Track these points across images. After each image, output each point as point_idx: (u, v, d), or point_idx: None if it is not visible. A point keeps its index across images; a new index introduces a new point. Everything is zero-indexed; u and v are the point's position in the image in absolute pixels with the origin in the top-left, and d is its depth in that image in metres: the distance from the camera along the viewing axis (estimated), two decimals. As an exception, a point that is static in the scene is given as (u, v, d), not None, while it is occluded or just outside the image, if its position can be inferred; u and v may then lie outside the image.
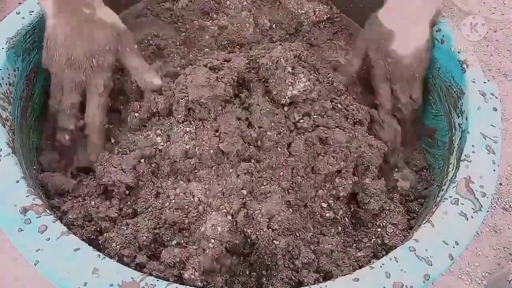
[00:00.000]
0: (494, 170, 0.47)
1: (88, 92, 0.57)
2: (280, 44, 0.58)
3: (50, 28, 0.55)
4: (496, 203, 0.83)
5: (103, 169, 0.52)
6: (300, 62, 0.56)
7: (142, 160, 0.53)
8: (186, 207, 0.49)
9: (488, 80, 0.55)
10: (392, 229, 0.53)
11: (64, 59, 0.55)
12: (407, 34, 0.60)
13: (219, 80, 0.53)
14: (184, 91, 0.53)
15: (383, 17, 0.62)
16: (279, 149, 0.53)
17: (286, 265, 0.47)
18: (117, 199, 0.52)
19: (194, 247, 0.46)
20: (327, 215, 0.52)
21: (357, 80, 0.65)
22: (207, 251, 0.45)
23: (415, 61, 0.61)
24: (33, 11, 0.58)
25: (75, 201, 0.51)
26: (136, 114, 0.56)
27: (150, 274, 0.43)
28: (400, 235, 0.52)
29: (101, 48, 0.56)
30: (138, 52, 0.60)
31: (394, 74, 0.61)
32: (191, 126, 0.53)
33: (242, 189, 0.49)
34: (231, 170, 0.51)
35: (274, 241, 0.46)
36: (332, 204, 0.53)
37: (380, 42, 0.61)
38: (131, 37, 0.59)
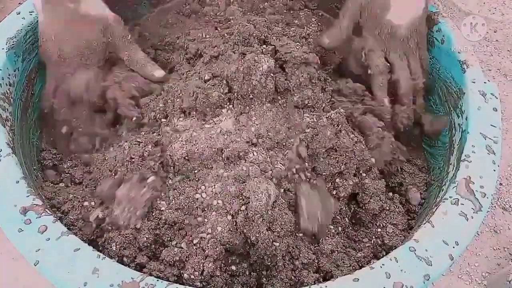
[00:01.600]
0: (494, 170, 0.47)
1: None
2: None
3: (41, 24, 0.56)
4: (496, 203, 0.83)
5: (99, 172, 0.52)
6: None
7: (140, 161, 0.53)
8: (186, 207, 0.49)
9: (488, 80, 0.55)
10: (392, 229, 0.53)
11: (55, 55, 0.55)
12: (402, 2, 0.58)
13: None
14: (178, 96, 0.54)
15: None
16: (279, 149, 0.53)
17: (286, 265, 0.47)
18: None
19: (194, 247, 0.46)
20: None
21: (346, 46, 0.63)
22: (207, 251, 0.45)
23: (411, 33, 0.58)
24: (33, 11, 0.58)
25: (75, 202, 0.51)
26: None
27: (150, 274, 0.43)
28: (400, 235, 0.52)
29: (88, 45, 0.55)
30: (133, 43, 0.58)
31: (390, 48, 0.59)
32: (189, 128, 0.53)
33: (242, 190, 0.49)
34: (231, 171, 0.51)
35: (274, 242, 0.46)
36: None
37: (374, 10, 0.58)
38: (120, 28, 0.58)
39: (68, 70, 0.56)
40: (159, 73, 0.57)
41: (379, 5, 0.58)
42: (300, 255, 0.47)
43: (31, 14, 0.58)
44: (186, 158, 0.51)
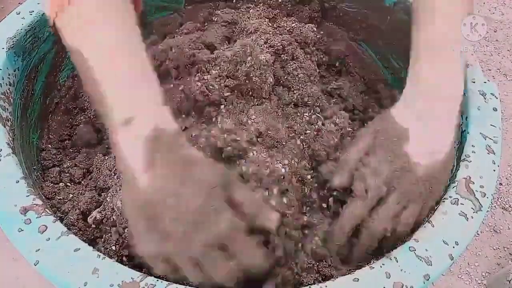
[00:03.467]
0: (494, 170, 0.47)
1: None
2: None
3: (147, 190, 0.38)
4: (496, 203, 0.84)
5: (99, 171, 0.52)
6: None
7: None
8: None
9: (488, 80, 0.55)
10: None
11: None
12: (428, 137, 0.46)
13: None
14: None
15: (397, 114, 0.48)
16: (279, 148, 0.53)
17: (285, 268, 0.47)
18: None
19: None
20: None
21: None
22: None
23: (431, 177, 0.45)
24: (33, 11, 0.58)
25: (75, 202, 0.51)
26: None
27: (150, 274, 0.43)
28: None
29: (213, 188, 0.40)
30: (241, 184, 0.45)
31: (399, 187, 0.44)
32: (188, 127, 0.53)
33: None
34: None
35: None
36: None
37: (390, 138, 0.46)
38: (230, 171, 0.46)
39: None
40: (274, 217, 0.43)
41: (397, 134, 0.46)
42: (299, 259, 0.48)
43: (31, 14, 0.58)
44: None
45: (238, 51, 0.53)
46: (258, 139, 0.52)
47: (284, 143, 0.53)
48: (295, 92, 0.55)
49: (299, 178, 0.52)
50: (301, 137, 0.54)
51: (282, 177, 0.50)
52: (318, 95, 0.56)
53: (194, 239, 0.37)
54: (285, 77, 0.55)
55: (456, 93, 0.47)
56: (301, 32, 0.59)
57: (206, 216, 0.38)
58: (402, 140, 0.46)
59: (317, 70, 0.59)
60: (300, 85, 0.55)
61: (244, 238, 0.40)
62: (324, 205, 0.53)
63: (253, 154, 0.51)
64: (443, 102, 0.46)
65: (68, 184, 0.55)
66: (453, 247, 0.42)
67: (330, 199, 0.53)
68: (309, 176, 0.52)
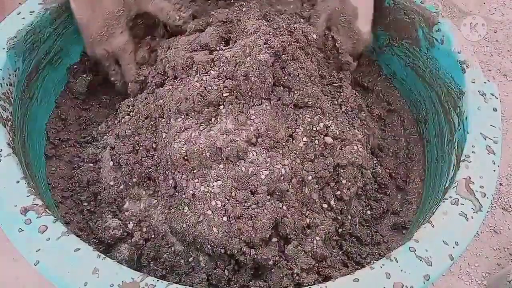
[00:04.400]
0: (494, 171, 0.47)
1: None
2: None
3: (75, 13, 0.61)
4: (496, 203, 0.83)
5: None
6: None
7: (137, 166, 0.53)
8: (185, 208, 0.49)
9: (488, 81, 0.55)
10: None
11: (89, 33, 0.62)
12: (367, 11, 0.65)
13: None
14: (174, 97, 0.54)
15: None
16: (279, 149, 0.53)
17: (286, 269, 0.47)
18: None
19: (193, 247, 0.46)
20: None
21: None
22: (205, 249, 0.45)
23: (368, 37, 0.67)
24: (33, 11, 0.58)
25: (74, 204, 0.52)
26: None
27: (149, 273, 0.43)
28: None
29: (112, 15, 0.60)
30: None
31: (355, 51, 0.66)
32: (188, 128, 0.53)
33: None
34: (230, 171, 0.51)
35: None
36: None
37: (346, 16, 0.64)
38: None
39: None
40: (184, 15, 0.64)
41: (350, 12, 0.64)
42: (300, 260, 0.48)
43: (31, 14, 0.58)
44: (185, 158, 0.51)
45: (237, 52, 0.53)
46: (258, 139, 0.52)
47: (284, 144, 0.53)
48: (295, 92, 0.55)
49: (300, 179, 0.52)
50: (304, 139, 0.54)
51: (282, 177, 0.50)
52: (318, 96, 0.56)
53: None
54: (286, 78, 0.55)
55: None
56: (303, 33, 0.59)
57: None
58: (355, 18, 0.65)
59: (318, 71, 0.59)
60: (300, 85, 0.55)
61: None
62: (325, 205, 0.53)
63: (253, 155, 0.51)
64: None
65: None
66: (453, 247, 0.42)
67: (332, 202, 0.53)
68: (310, 177, 0.52)
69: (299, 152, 0.53)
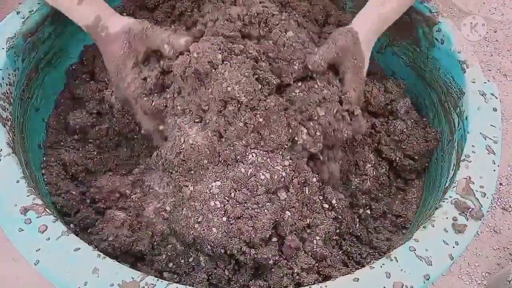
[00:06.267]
0: (494, 171, 0.47)
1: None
2: None
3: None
4: (496, 203, 0.83)
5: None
6: None
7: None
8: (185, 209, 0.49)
9: (488, 80, 0.55)
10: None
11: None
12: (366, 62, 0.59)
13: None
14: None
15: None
16: (279, 151, 0.53)
17: (286, 268, 0.47)
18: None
19: (193, 247, 0.46)
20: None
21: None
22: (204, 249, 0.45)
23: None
24: (33, 11, 0.58)
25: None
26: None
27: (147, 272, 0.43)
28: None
29: (119, 62, 0.58)
30: (160, 30, 0.58)
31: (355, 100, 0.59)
32: (187, 128, 0.53)
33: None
34: (229, 172, 0.50)
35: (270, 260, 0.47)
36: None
37: (357, 63, 0.58)
38: (142, 26, 0.58)
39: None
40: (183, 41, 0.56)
41: (360, 60, 0.58)
42: (300, 260, 0.47)
43: (31, 14, 0.58)
44: (183, 158, 0.51)
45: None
46: (260, 141, 0.52)
47: (286, 145, 0.53)
48: (295, 64, 0.55)
49: (300, 180, 0.52)
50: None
51: (282, 179, 0.50)
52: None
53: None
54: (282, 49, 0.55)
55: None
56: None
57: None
58: (363, 68, 0.59)
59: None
60: (297, 54, 0.55)
61: None
62: (326, 206, 0.53)
63: (253, 156, 0.50)
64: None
65: None
66: (453, 247, 0.42)
67: (333, 201, 0.53)
68: (314, 180, 0.52)
69: (300, 153, 0.53)
